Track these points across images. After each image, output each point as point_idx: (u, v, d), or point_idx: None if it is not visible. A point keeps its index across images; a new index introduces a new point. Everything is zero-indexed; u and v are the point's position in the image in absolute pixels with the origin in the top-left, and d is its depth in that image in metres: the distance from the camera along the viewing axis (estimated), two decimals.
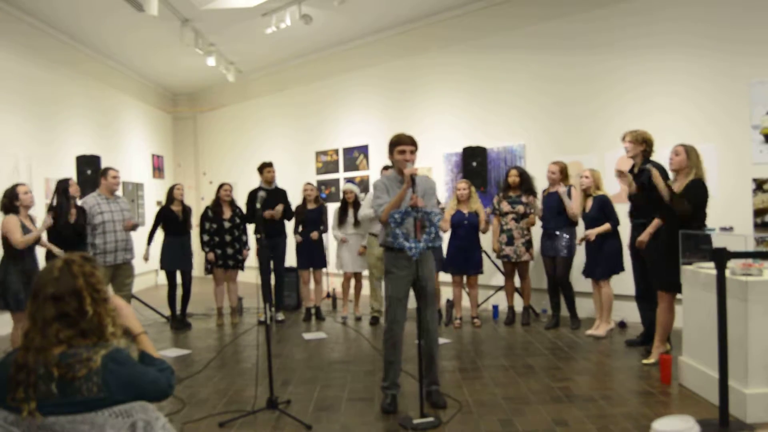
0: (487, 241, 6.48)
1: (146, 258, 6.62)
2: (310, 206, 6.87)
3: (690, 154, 4.22)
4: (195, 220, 7.16)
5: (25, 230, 4.74)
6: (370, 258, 6.48)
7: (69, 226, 5.41)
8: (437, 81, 7.99)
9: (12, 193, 4.79)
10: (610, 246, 5.45)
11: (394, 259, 3.71)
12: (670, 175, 4.47)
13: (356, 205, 6.67)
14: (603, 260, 5.47)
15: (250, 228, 6.93)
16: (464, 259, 6.15)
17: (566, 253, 5.81)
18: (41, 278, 1.79)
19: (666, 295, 4.38)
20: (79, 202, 5.91)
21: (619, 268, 5.47)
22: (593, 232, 5.48)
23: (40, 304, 1.74)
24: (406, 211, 3.56)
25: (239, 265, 6.69)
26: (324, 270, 7.03)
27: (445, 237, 6.26)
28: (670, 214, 4.24)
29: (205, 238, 6.59)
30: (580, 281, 5.96)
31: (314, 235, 6.73)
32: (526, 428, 3.33)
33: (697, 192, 4.16)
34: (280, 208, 6.49)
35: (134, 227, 6.08)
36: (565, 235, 5.82)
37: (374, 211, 3.78)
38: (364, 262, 6.64)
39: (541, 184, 6.42)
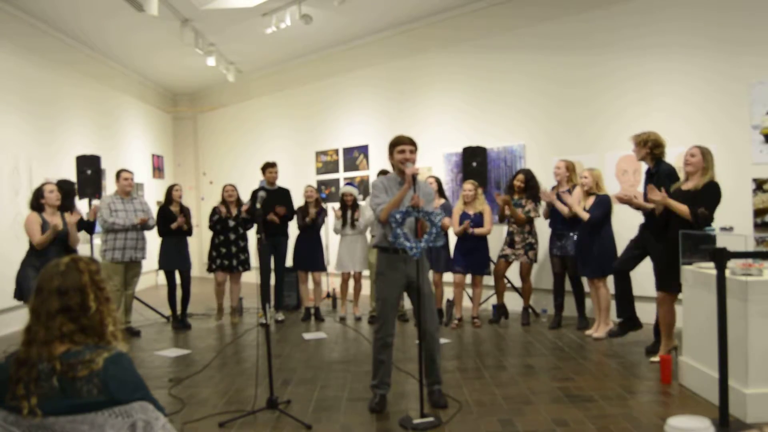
0: (492, 241, 6.45)
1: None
2: (311, 209, 6.84)
3: (706, 156, 4.24)
4: (194, 220, 7.16)
5: (47, 227, 4.94)
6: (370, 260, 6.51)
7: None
8: (437, 81, 7.98)
9: (38, 192, 5.07)
10: (600, 246, 5.42)
11: (388, 260, 3.70)
12: (681, 175, 4.46)
13: (355, 207, 6.68)
14: (592, 260, 5.46)
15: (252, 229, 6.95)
16: (470, 259, 6.12)
17: (575, 252, 5.77)
18: (47, 273, 1.80)
19: (667, 296, 4.38)
20: (96, 202, 6.13)
21: (611, 269, 5.40)
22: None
23: (45, 297, 1.76)
24: (407, 210, 3.55)
25: (244, 265, 6.67)
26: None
27: (452, 237, 6.25)
28: (678, 219, 4.22)
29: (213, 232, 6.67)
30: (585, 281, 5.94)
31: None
32: (526, 428, 3.33)
33: (715, 193, 4.19)
34: (281, 211, 6.50)
35: (145, 224, 6.18)
36: (572, 235, 5.79)
37: (373, 211, 3.76)
38: (364, 263, 6.64)
39: (542, 184, 6.41)
